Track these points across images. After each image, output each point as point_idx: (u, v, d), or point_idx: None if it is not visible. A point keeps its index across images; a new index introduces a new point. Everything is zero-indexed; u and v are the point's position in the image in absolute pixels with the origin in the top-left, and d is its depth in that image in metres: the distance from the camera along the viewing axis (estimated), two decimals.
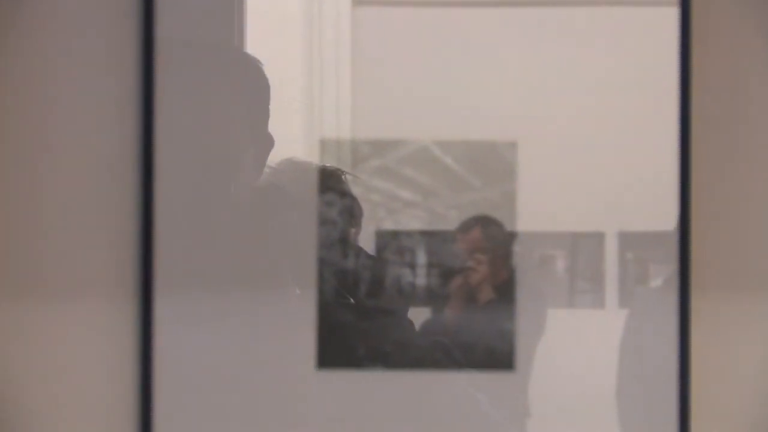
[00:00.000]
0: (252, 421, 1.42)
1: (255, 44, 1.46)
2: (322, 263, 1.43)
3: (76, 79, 1.42)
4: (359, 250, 1.44)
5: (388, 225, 1.44)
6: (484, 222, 1.45)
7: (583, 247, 1.46)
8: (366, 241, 1.44)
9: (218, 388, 1.42)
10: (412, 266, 1.44)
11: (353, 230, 1.44)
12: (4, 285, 1.40)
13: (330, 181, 1.44)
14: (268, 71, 1.45)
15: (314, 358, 1.42)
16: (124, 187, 1.42)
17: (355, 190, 1.44)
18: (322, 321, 1.42)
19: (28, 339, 1.41)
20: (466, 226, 1.45)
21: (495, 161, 1.44)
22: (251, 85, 1.45)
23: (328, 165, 1.44)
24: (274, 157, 1.45)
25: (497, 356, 1.43)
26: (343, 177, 1.44)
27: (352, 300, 1.43)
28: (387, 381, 1.43)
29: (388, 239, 1.44)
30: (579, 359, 1.45)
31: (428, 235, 1.44)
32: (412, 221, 1.44)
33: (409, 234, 1.44)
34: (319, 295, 1.42)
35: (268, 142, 1.44)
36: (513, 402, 1.44)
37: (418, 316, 1.46)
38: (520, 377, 1.43)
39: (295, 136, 1.47)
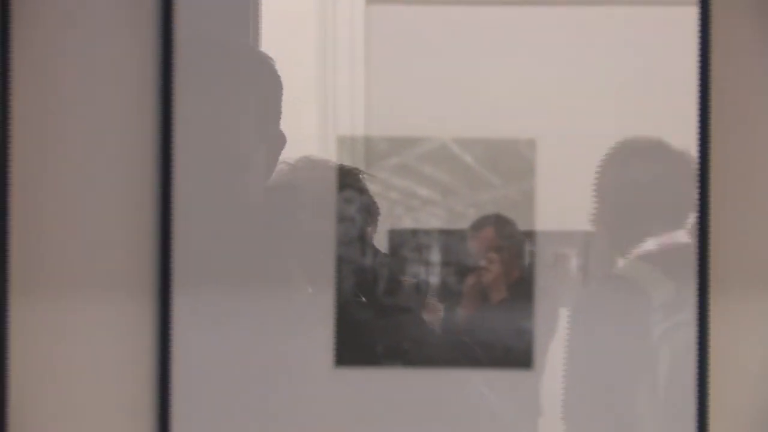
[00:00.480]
0: (270, 418, 1.42)
1: (269, 42, 1.46)
2: (341, 261, 1.42)
3: (96, 78, 1.41)
4: (374, 249, 1.43)
5: (408, 223, 1.44)
6: (496, 221, 1.45)
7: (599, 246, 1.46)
8: (381, 239, 1.44)
9: (236, 386, 1.41)
10: (426, 265, 1.44)
11: (369, 228, 1.44)
12: (21, 282, 1.39)
13: (347, 179, 1.44)
14: (284, 69, 1.45)
15: (332, 355, 1.42)
16: (142, 185, 1.41)
17: (373, 188, 1.44)
18: (340, 319, 1.42)
19: (45, 336, 1.40)
20: (479, 225, 1.45)
21: (514, 159, 1.44)
22: (264, 84, 1.45)
23: (344, 163, 1.44)
24: (292, 155, 1.44)
25: (515, 355, 1.43)
26: (360, 175, 1.44)
27: (363, 299, 1.43)
28: (405, 378, 1.43)
29: (402, 238, 1.43)
30: (594, 359, 1.45)
31: (442, 234, 1.44)
32: (431, 219, 1.44)
33: (423, 232, 1.44)
34: (338, 293, 1.42)
35: (281, 141, 1.44)
36: (531, 400, 1.44)
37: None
38: (538, 376, 1.43)
39: (311, 133, 1.47)
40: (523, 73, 1.44)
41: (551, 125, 1.44)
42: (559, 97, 1.44)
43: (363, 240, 1.43)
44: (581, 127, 1.44)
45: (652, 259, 1.44)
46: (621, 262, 1.46)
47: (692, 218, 1.44)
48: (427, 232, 1.44)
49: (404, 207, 1.44)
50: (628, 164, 1.45)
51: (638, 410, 1.44)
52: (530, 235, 1.44)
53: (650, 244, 1.45)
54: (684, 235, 1.45)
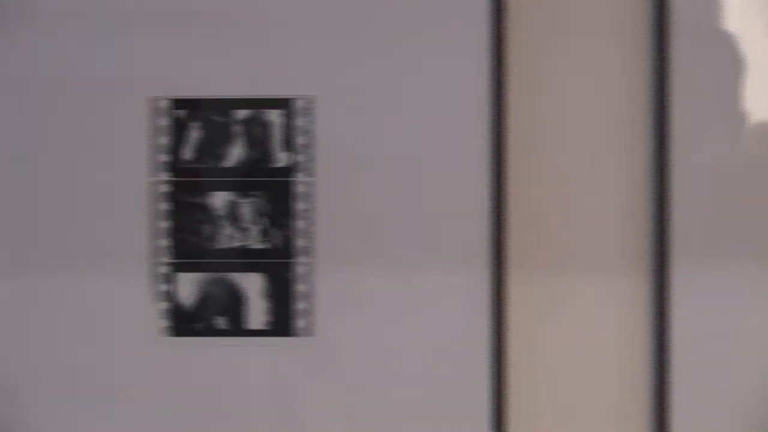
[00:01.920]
0: None
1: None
2: None
3: (589, 73, 1.41)
4: None
5: None
6: None
7: None
8: None
9: (735, 367, 1.39)
10: None
11: None
12: (519, 257, 1.42)
13: None
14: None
15: None
16: (637, 160, 1.41)
17: None
18: None
19: (541, 311, 1.42)
20: None
21: None
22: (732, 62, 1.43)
23: None
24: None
25: None
26: None
27: None
28: None
29: None
30: None
31: None
32: None
33: None
34: None
35: (743, 118, 1.41)
36: None
37: None
38: None
39: None
40: None
41: None
42: None
43: None
44: None
45: None
46: None
47: None
48: None
49: None
50: None
51: None
52: None
53: None
54: None
